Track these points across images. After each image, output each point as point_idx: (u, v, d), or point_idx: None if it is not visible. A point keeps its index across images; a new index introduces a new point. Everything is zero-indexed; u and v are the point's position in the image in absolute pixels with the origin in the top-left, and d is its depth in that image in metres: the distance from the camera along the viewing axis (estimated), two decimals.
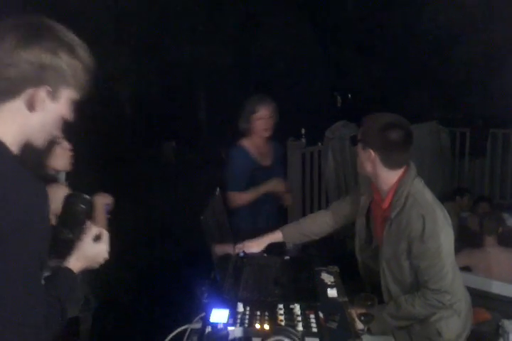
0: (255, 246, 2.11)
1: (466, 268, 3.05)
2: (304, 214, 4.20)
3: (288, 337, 1.25)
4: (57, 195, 1.66)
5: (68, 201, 1.21)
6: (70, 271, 1.15)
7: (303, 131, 4.74)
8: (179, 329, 1.42)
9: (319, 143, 5.03)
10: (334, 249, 3.08)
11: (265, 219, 2.78)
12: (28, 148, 1.53)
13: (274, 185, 2.71)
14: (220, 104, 7.94)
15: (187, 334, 1.42)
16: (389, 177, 1.81)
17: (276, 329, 1.33)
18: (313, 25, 7.13)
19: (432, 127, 5.23)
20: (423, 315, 1.78)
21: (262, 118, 2.71)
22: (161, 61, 7.14)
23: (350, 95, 8.40)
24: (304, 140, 4.75)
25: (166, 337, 1.43)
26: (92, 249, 1.20)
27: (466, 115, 6.02)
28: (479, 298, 2.69)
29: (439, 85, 6.40)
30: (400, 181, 1.80)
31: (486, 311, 2.58)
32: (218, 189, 1.95)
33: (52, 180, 1.68)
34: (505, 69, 5.00)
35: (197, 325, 1.42)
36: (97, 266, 1.24)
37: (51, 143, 1.63)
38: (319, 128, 4.82)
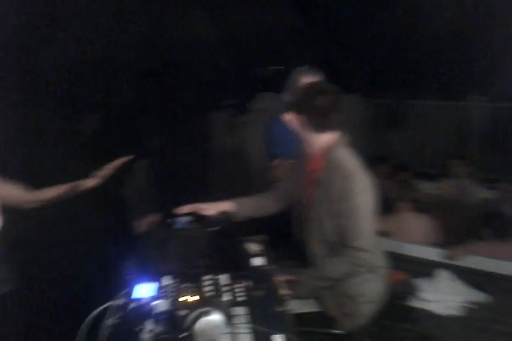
0: (209, 208, 1.98)
1: (381, 233, 3.22)
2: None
3: (214, 307, 1.25)
4: None
5: None
6: None
7: (225, 102, 4.68)
8: (102, 307, 1.37)
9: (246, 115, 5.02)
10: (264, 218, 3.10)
11: None
12: None
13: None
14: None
15: (109, 312, 1.38)
16: (315, 140, 1.90)
17: (202, 300, 1.33)
18: None
19: (353, 99, 5.38)
20: (345, 273, 1.85)
21: None
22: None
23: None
24: (229, 112, 4.70)
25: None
26: None
27: (386, 86, 6.21)
28: (394, 261, 2.87)
29: (363, 57, 6.49)
30: (329, 145, 1.88)
31: (400, 272, 2.76)
32: (145, 160, 1.88)
33: None
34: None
35: (120, 302, 1.38)
36: None
37: None
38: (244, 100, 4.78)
